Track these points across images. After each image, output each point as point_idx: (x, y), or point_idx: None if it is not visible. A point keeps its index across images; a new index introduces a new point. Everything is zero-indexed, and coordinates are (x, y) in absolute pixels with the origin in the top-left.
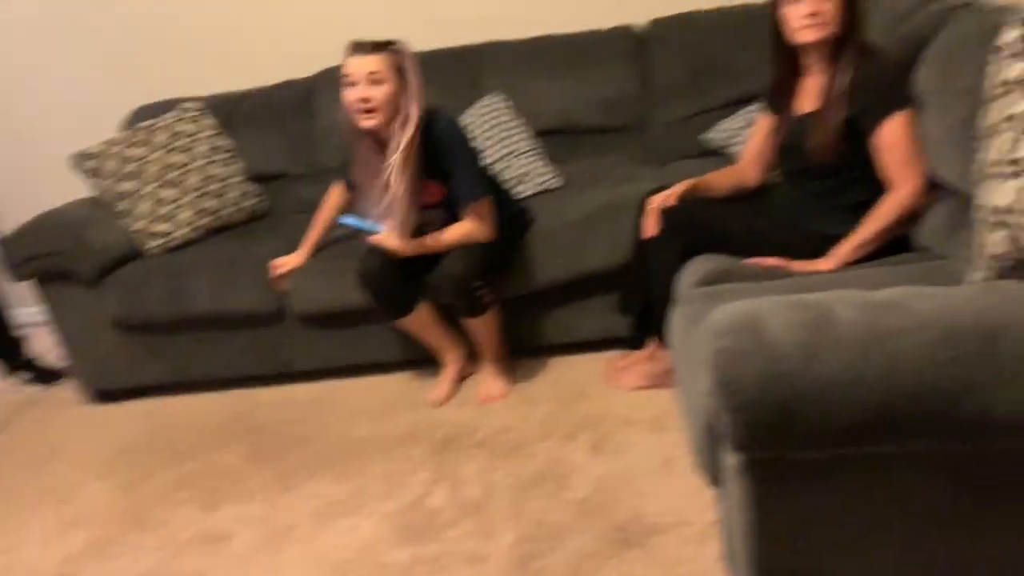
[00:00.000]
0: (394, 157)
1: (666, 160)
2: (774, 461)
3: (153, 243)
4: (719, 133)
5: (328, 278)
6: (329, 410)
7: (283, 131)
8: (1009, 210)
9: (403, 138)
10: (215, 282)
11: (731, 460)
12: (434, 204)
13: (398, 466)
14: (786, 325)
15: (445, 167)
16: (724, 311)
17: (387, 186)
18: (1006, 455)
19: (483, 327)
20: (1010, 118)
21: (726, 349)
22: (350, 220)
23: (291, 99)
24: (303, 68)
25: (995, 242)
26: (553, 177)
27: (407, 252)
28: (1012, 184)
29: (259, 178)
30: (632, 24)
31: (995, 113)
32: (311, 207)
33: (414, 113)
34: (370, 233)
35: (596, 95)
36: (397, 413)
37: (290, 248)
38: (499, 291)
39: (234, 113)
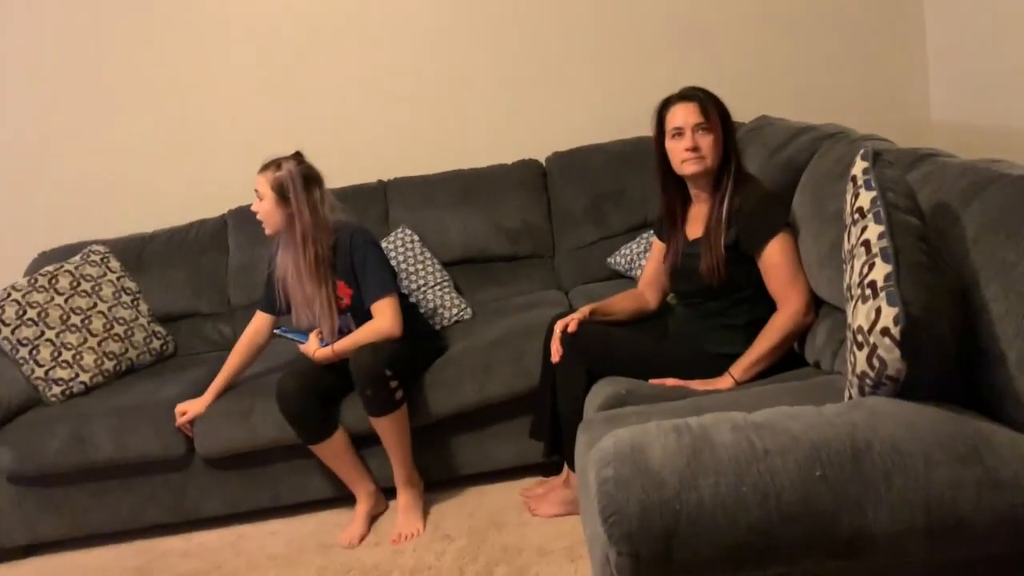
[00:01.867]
0: (298, 266)
1: (572, 285)
2: None
3: (54, 390)
4: (622, 257)
5: (233, 419)
6: (238, 557)
7: (193, 270)
8: (866, 330)
9: (304, 250)
10: (118, 428)
11: None
12: (343, 308)
13: None
14: (667, 451)
15: (357, 275)
16: (610, 438)
17: (303, 292)
18: (887, 572)
19: (394, 431)
20: (864, 243)
21: (608, 479)
22: (284, 331)
23: (202, 238)
24: (213, 207)
25: (859, 360)
26: (464, 308)
27: (323, 360)
28: (867, 306)
29: (168, 318)
30: (535, 158)
31: (852, 238)
32: (221, 345)
33: (305, 226)
34: (301, 343)
35: (503, 225)
36: (308, 557)
37: (196, 390)
38: (407, 393)
39: (142, 254)
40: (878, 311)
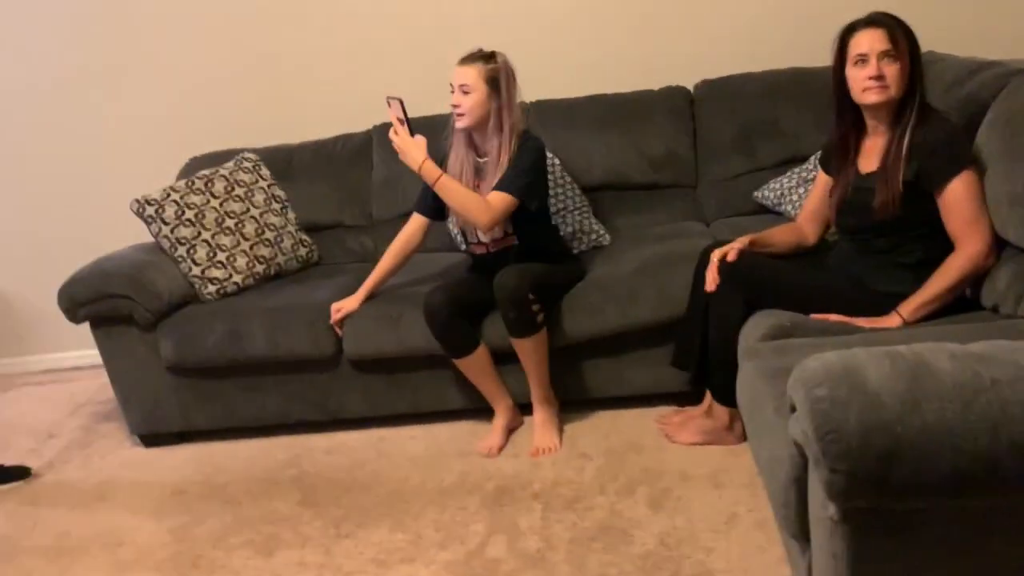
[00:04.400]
0: (490, 157)
1: (715, 217)
2: (872, 512)
3: (209, 288)
4: (770, 191)
5: (383, 324)
6: (380, 458)
7: (338, 183)
8: None
9: (497, 141)
10: (271, 326)
11: (827, 512)
12: None
13: (453, 516)
14: (884, 375)
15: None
16: (817, 360)
17: (476, 181)
18: None
19: (533, 352)
20: None
21: (824, 398)
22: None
23: (347, 152)
24: (358, 123)
25: None
26: (603, 234)
27: (425, 174)
28: None
29: (312, 228)
30: (683, 85)
31: None
32: (363, 257)
33: (515, 120)
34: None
35: (646, 152)
36: (448, 462)
37: (345, 295)
38: (548, 317)
39: (290, 164)
40: None
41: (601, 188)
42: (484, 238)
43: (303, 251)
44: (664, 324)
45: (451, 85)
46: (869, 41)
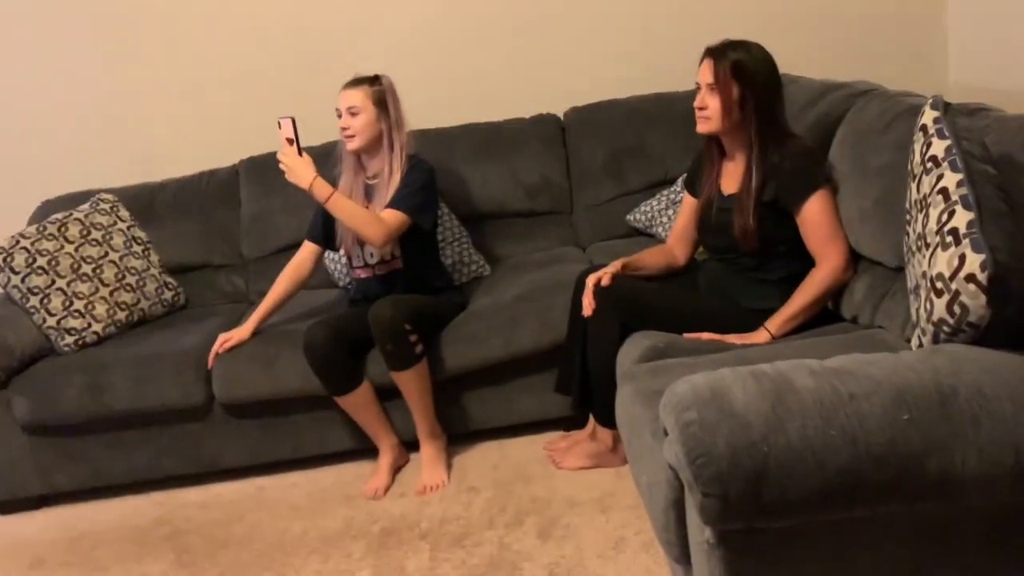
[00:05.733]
0: (380, 178)
1: (590, 241)
2: (746, 532)
3: (67, 339)
4: (642, 214)
5: (257, 366)
6: (259, 508)
7: (204, 221)
8: (947, 277)
9: (388, 162)
10: (136, 376)
11: (702, 535)
12: None
13: (337, 564)
14: (749, 395)
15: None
16: (686, 384)
17: (366, 204)
18: (970, 514)
19: (415, 386)
20: (942, 191)
21: (693, 422)
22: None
23: (213, 188)
24: (222, 158)
25: (936, 308)
26: (483, 265)
27: (316, 192)
28: (948, 253)
29: (178, 270)
30: (553, 112)
31: (925, 187)
32: (234, 297)
33: (398, 140)
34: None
35: (521, 180)
36: (331, 508)
37: (214, 340)
38: (428, 347)
39: (151, 204)
40: (962, 258)
41: (479, 218)
42: (372, 260)
43: (168, 295)
44: (546, 351)
45: (338, 110)
46: (702, 71)
